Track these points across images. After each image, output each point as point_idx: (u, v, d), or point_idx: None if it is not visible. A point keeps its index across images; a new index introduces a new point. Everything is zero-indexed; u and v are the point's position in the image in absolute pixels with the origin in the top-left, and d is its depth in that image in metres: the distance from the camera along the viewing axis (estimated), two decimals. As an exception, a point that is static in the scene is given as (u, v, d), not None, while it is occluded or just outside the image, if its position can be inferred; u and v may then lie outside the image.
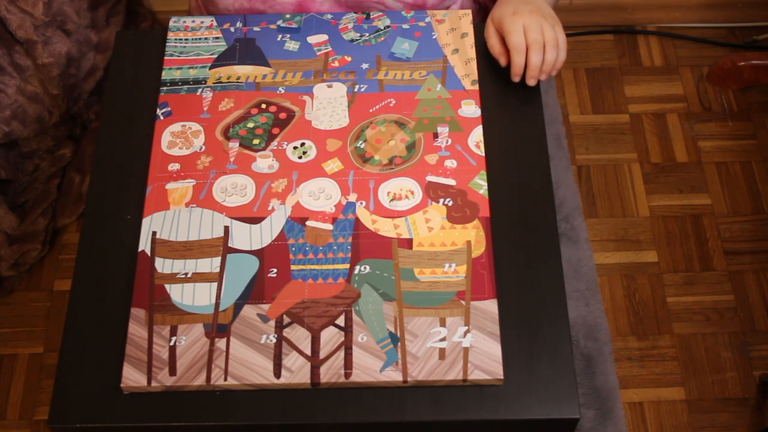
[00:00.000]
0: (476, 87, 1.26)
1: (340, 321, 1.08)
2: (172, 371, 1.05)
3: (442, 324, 1.07)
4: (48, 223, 2.04)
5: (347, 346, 1.06)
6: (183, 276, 1.11)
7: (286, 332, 1.07)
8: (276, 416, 1.04)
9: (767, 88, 2.27)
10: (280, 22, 1.33)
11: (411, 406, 1.04)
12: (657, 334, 1.94)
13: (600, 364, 1.50)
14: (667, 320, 1.96)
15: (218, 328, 1.08)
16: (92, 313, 1.10)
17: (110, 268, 1.13)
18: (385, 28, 1.32)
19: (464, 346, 1.06)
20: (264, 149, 1.21)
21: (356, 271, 1.11)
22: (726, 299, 1.99)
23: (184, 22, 1.34)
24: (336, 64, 1.28)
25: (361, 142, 1.21)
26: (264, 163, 1.20)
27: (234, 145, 1.21)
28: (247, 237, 1.14)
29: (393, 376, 1.04)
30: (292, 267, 1.12)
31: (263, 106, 1.25)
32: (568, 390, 1.05)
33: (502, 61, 1.27)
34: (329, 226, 1.14)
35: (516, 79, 1.26)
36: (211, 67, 1.29)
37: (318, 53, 1.30)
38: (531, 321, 1.09)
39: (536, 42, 1.23)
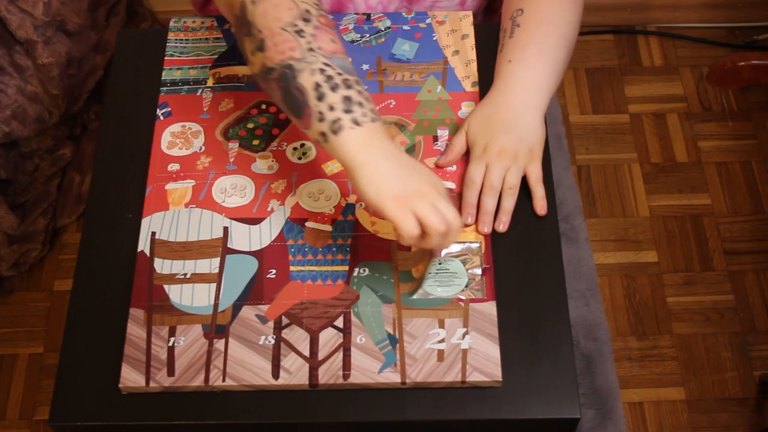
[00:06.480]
0: (476, 89, 1.26)
1: (339, 322, 1.08)
2: (171, 372, 1.05)
3: (441, 326, 1.07)
4: (48, 223, 2.04)
5: (346, 347, 1.06)
6: (182, 276, 1.11)
7: (285, 333, 1.07)
8: (275, 416, 1.04)
9: (767, 88, 2.27)
10: (279, 23, 1.33)
11: (411, 406, 1.04)
12: (657, 334, 1.94)
13: (600, 364, 1.49)
14: (667, 320, 1.96)
15: (217, 328, 1.08)
16: (92, 313, 1.10)
17: (110, 268, 1.13)
18: (385, 29, 1.32)
19: (463, 347, 1.06)
20: (264, 150, 1.21)
21: (355, 273, 1.11)
22: (726, 299, 1.99)
23: (185, 22, 1.34)
24: (336, 64, 1.28)
25: (360, 142, 1.21)
26: (263, 163, 1.19)
27: (234, 146, 1.21)
28: (247, 238, 1.14)
29: (391, 377, 1.04)
30: (291, 268, 1.11)
31: (263, 106, 1.25)
32: (569, 390, 1.04)
33: (446, 159, 1.18)
34: (328, 228, 1.14)
35: (467, 219, 1.14)
36: (211, 68, 1.28)
37: (318, 54, 1.29)
38: (531, 321, 1.09)
39: (490, 187, 1.14)
